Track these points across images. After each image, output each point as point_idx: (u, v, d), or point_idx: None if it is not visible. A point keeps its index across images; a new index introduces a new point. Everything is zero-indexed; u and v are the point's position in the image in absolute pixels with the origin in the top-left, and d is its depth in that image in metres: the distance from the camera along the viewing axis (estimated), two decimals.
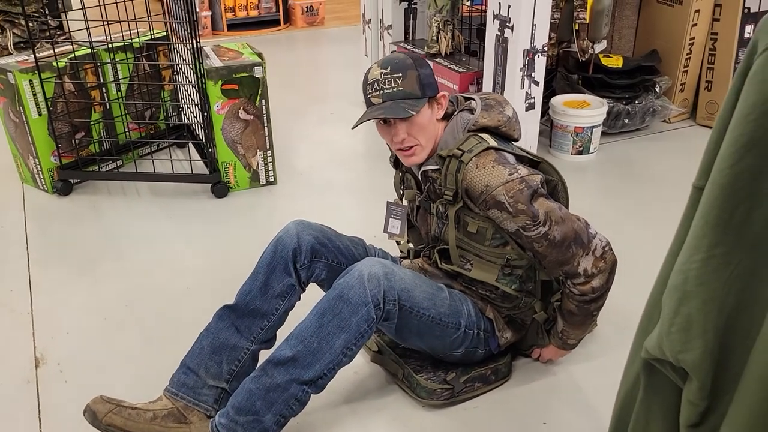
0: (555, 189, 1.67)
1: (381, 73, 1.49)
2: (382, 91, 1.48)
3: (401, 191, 1.78)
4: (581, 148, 3.07)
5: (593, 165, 3.06)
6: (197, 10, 2.51)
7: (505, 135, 1.59)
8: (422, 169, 1.60)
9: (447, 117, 1.60)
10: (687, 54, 3.33)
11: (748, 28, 3.28)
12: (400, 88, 1.48)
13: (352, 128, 1.58)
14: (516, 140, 1.63)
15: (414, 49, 3.35)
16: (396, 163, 1.77)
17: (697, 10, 3.24)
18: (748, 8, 3.24)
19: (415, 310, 1.53)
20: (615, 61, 3.30)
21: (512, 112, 1.61)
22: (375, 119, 1.51)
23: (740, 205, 0.80)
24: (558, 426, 1.63)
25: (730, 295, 0.85)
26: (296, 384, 1.44)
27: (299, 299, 1.65)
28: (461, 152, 1.50)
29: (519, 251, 1.59)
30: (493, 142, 1.52)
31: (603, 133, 3.17)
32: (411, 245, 1.83)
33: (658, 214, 2.61)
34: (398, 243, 1.87)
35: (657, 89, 3.30)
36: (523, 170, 1.49)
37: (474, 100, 1.61)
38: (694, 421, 0.92)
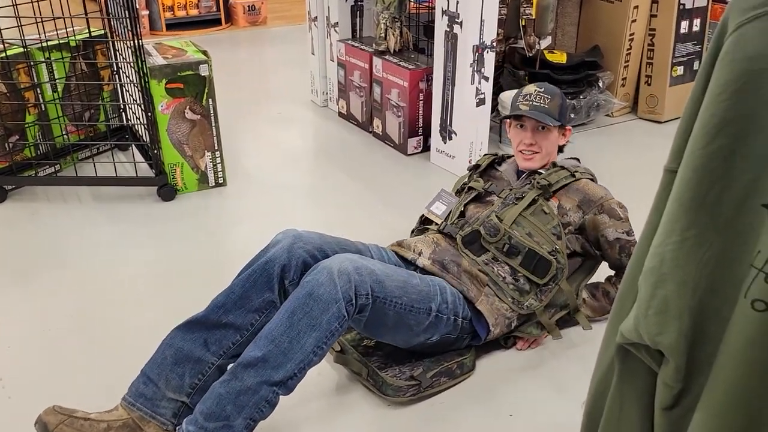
0: None
1: (535, 90, 1.88)
2: (531, 103, 1.86)
3: (467, 182, 2.02)
4: None
5: None
6: (137, 6, 2.41)
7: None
8: (539, 171, 1.90)
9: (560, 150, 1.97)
10: (627, 49, 3.42)
11: (684, 24, 3.39)
12: (546, 106, 1.85)
13: (502, 118, 1.81)
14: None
15: (362, 47, 3.33)
16: (476, 168, 2.06)
17: (636, 6, 3.34)
18: (683, 4, 3.35)
19: (389, 299, 1.53)
20: (559, 57, 3.36)
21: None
22: (523, 118, 1.87)
23: (713, 187, 0.81)
24: (525, 417, 1.64)
25: (703, 277, 0.85)
26: (266, 386, 1.40)
27: None
28: (575, 169, 1.90)
29: (564, 249, 1.77)
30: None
31: None
32: (444, 225, 1.93)
33: None
34: (428, 223, 2.01)
35: (600, 84, 3.38)
36: None
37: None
38: (670, 404, 0.93)
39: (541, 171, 1.90)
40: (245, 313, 1.55)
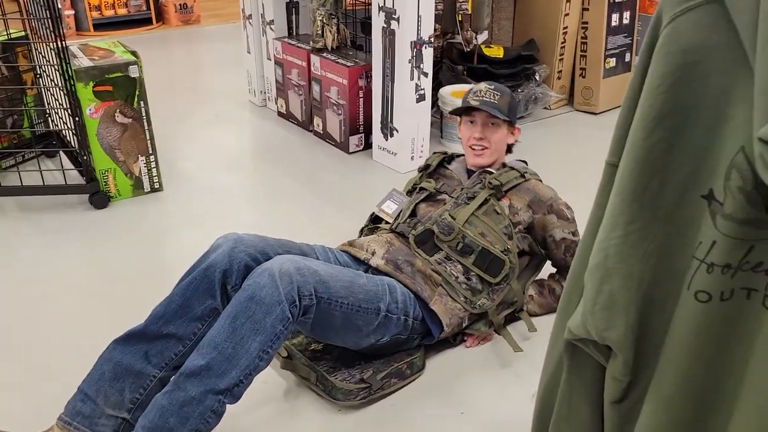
0: None
1: (486, 87, 1.90)
2: (482, 99, 1.87)
3: (418, 182, 2.02)
4: None
5: None
6: (59, 5, 2.29)
7: None
8: (489, 169, 1.91)
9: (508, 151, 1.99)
10: (562, 43, 3.48)
11: (615, 17, 3.47)
12: (495, 102, 1.86)
13: (450, 113, 1.79)
14: None
15: (299, 45, 3.27)
16: (426, 168, 2.05)
17: (569, 0, 3.39)
18: None
19: (334, 300, 1.49)
20: (496, 52, 3.39)
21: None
22: (473, 113, 1.89)
23: (653, 179, 0.81)
24: (476, 414, 1.63)
25: (647, 270, 0.86)
26: (212, 395, 1.34)
27: None
28: (524, 171, 1.92)
29: (515, 249, 1.79)
30: None
31: None
32: (396, 224, 1.91)
33: None
34: (378, 222, 2.01)
35: (537, 77, 3.43)
36: None
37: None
38: (619, 397, 0.93)
39: (491, 170, 1.91)
40: (187, 322, 1.50)
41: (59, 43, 2.31)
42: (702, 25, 0.73)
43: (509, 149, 1.99)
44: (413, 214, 1.92)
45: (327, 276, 1.50)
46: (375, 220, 2.05)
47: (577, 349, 0.96)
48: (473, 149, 1.90)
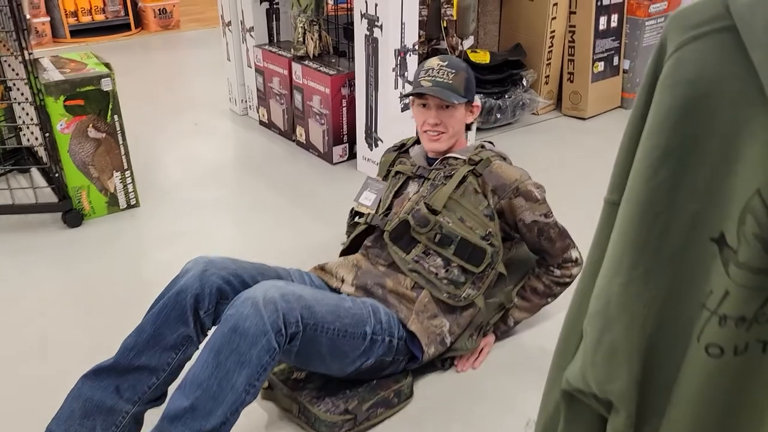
0: None
1: (438, 64, 1.71)
2: (434, 79, 1.69)
3: (390, 168, 1.88)
4: None
5: None
6: (26, 15, 2.19)
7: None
8: (450, 155, 1.76)
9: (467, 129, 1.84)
10: (549, 47, 3.42)
11: (602, 20, 3.42)
12: (450, 82, 1.69)
13: (403, 96, 1.65)
14: None
15: (279, 52, 3.18)
16: (400, 147, 1.93)
17: (555, 3, 3.33)
18: (601, 1, 3.37)
19: (320, 325, 1.41)
20: (482, 57, 3.32)
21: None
22: (420, 98, 1.72)
23: (657, 221, 0.74)
24: None
25: (651, 316, 0.78)
26: None
27: (197, 349, 1.46)
28: (493, 153, 1.77)
29: (497, 231, 1.69)
30: None
31: (477, 129, 3.17)
32: (371, 216, 1.82)
33: None
34: (358, 215, 1.90)
35: (524, 83, 3.36)
36: None
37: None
38: None
39: (456, 156, 1.76)
40: (160, 353, 1.42)
41: (26, 55, 2.21)
42: (712, 55, 0.66)
43: (468, 127, 1.85)
44: (390, 205, 1.80)
45: (312, 301, 1.43)
46: (357, 214, 1.94)
47: (575, 399, 0.89)
48: (428, 134, 1.75)
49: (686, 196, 0.72)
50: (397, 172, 1.85)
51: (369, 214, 1.82)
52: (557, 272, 1.77)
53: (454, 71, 1.70)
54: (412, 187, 1.79)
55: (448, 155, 1.77)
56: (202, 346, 1.45)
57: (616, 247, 0.76)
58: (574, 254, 1.76)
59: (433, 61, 1.73)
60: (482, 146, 1.83)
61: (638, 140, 0.75)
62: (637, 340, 0.78)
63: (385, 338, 1.57)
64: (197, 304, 1.44)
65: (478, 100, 1.81)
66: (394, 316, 1.62)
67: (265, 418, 1.63)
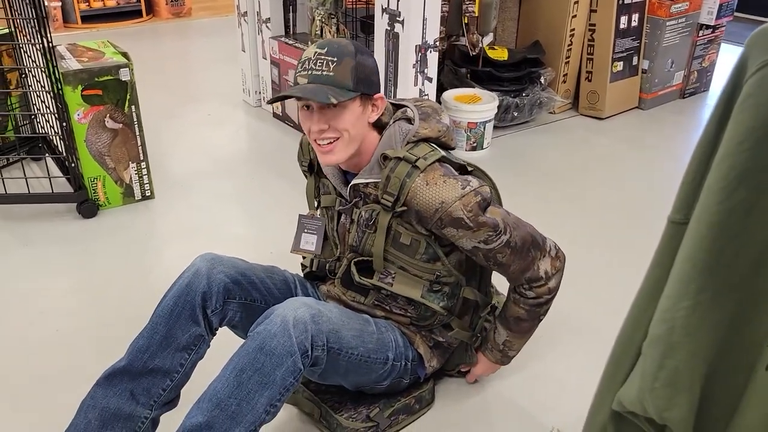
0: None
1: (315, 53, 1.32)
2: (310, 72, 1.30)
3: (317, 199, 1.59)
4: (475, 144, 3.02)
5: (488, 160, 3.02)
6: (45, 3, 2.16)
7: (444, 145, 1.47)
8: (355, 182, 1.42)
9: (382, 127, 1.42)
10: (568, 45, 3.37)
11: (623, 19, 3.37)
12: (330, 74, 1.30)
13: (268, 102, 1.35)
14: (453, 149, 1.53)
15: (296, 44, 3.14)
16: (311, 168, 1.56)
17: (576, 2, 3.28)
18: None
19: (344, 351, 1.36)
20: (501, 54, 3.28)
21: (448, 120, 1.50)
22: (299, 100, 1.33)
23: (728, 245, 0.71)
24: None
25: (715, 342, 0.76)
26: None
27: (209, 347, 1.43)
28: (415, 157, 1.36)
29: (449, 268, 1.47)
30: (441, 152, 1.41)
31: (494, 127, 3.14)
32: (320, 259, 1.62)
33: (557, 208, 2.60)
34: (303, 257, 1.68)
35: (542, 81, 3.32)
36: (474, 181, 1.37)
37: (408, 108, 1.46)
38: None
39: (368, 181, 1.40)
40: (173, 354, 1.38)
41: (46, 43, 2.18)
42: None
43: (379, 122, 1.42)
44: (336, 240, 1.56)
45: (339, 324, 1.37)
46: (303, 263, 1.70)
47: (626, 420, 0.86)
48: (318, 144, 1.35)
49: (761, 220, 0.70)
50: (325, 207, 1.57)
51: (315, 257, 1.62)
52: (530, 294, 1.49)
53: (335, 59, 1.30)
54: (345, 218, 1.51)
55: (358, 182, 1.42)
56: (212, 343, 1.43)
57: (684, 270, 0.73)
58: (541, 270, 1.46)
59: (310, 51, 1.33)
60: (416, 143, 1.40)
61: (708, 160, 0.72)
62: (700, 367, 0.76)
63: (402, 362, 1.52)
64: (205, 303, 1.40)
65: (381, 91, 1.40)
66: (405, 339, 1.55)
67: (287, 420, 1.61)
